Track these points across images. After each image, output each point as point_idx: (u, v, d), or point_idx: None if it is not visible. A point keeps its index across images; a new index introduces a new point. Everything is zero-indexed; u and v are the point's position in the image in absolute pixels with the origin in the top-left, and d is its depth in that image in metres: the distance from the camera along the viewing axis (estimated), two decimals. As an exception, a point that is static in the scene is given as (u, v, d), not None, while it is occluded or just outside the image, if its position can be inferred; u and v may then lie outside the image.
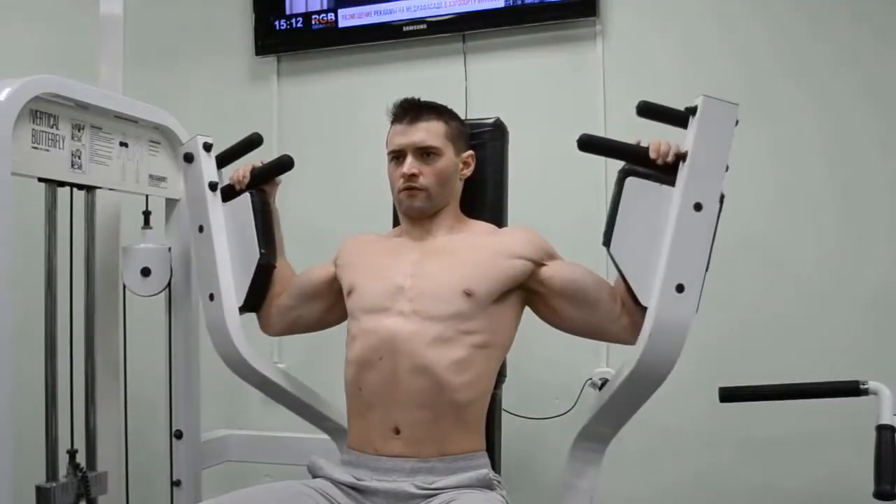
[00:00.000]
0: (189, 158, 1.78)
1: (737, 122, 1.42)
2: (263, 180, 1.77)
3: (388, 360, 1.52)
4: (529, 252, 1.59)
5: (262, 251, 1.71)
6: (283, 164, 1.74)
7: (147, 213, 1.94)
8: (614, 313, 1.52)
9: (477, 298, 1.53)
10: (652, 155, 1.43)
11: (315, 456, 1.58)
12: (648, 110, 1.44)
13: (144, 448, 1.99)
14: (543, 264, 1.60)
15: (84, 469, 1.72)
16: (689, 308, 1.37)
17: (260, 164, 1.77)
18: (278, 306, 1.76)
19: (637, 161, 1.45)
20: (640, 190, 1.43)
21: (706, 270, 1.39)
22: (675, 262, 1.36)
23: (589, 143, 1.47)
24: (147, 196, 1.92)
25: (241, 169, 1.77)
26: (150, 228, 1.94)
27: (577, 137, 1.46)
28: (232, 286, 1.71)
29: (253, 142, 1.80)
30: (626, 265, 1.44)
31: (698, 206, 1.37)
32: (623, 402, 1.46)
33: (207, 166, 1.78)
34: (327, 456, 1.60)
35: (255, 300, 1.74)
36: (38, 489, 1.63)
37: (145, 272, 1.86)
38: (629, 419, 1.50)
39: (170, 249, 1.93)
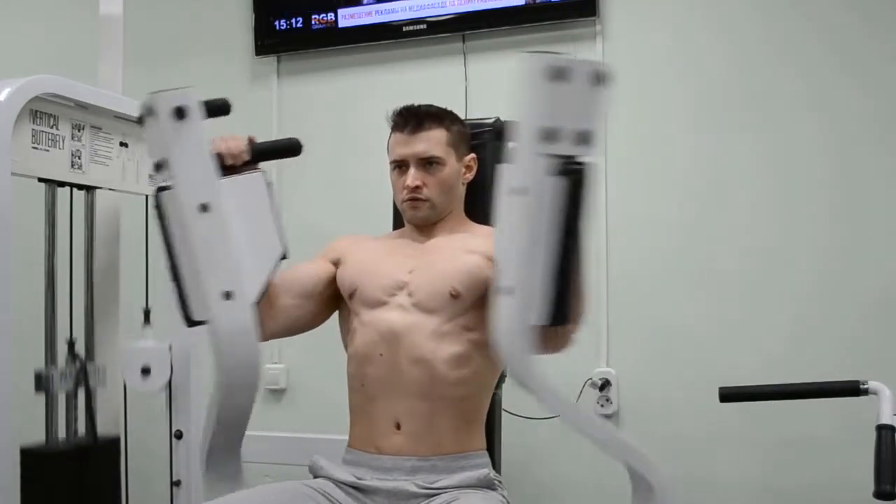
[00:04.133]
0: (183, 114, 1.31)
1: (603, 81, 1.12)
2: (264, 159, 1.48)
3: (389, 353, 1.52)
4: (487, 247, 1.50)
5: (284, 245, 1.42)
6: (293, 148, 1.50)
7: (147, 311, 1.92)
8: None
9: (463, 298, 1.53)
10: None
11: (317, 455, 1.58)
12: None
13: (144, 448, 1.99)
14: None
15: (83, 358, 1.73)
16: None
17: (255, 140, 1.47)
18: (281, 307, 1.58)
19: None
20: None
21: None
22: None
23: None
24: (147, 196, 1.92)
25: (230, 139, 1.41)
26: (150, 326, 1.92)
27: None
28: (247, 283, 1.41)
29: (293, 148, 1.51)
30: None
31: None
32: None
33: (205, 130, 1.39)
34: (328, 456, 1.60)
35: (263, 301, 1.46)
36: (38, 375, 1.65)
37: (145, 371, 1.85)
38: None
39: (170, 348, 1.90)
